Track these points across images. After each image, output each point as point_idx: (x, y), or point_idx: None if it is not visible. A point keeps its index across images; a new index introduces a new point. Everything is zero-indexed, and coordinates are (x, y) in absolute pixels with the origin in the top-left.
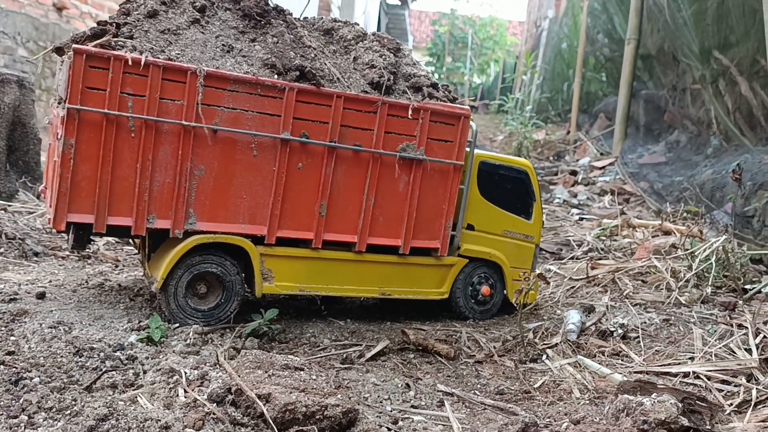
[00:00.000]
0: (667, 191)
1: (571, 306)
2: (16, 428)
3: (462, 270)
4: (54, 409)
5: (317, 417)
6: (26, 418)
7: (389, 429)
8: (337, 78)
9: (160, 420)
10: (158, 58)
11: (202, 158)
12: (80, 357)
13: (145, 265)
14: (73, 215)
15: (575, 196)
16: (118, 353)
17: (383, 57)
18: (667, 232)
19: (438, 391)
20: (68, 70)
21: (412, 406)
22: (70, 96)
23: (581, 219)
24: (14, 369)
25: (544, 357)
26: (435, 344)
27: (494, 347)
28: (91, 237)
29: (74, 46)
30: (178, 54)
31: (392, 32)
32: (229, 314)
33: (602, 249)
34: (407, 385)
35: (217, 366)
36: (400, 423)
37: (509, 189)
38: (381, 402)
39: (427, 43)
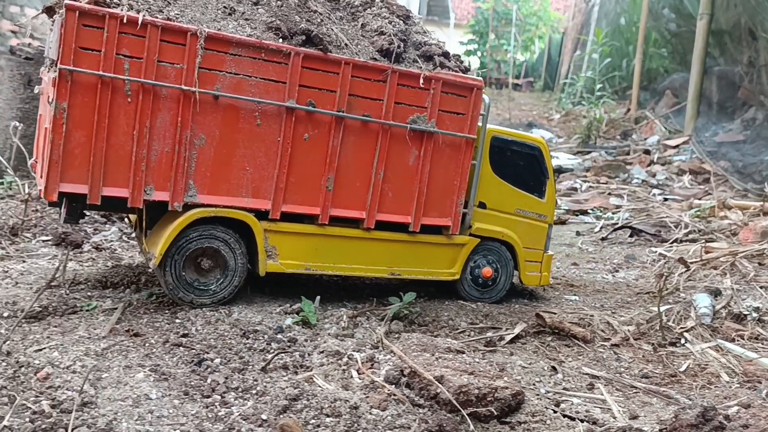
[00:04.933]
0: (753, 169)
1: (693, 289)
2: (212, 406)
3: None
4: (240, 389)
5: (489, 399)
6: (219, 397)
7: (554, 411)
8: (345, 44)
9: (348, 401)
10: (156, 17)
11: (202, 126)
12: (247, 339)
13: (142, 240)
14: (66, 185)
15: (653, 176)
16: (279, 335)
17: (393, 24)
18: None
19: (584, 373)
20: (60, 28)
21: (564, 389)
22: (62, 56)
23: (666, 199)
24: (194, 350)
25: (682, 341)
26: (571, 327)
27: (628, 330)
28: (85, 210)
29: (66, 2)
30: (177, 14)
31: (434, 9)
32: (230, 291)
33: (701, 231)
34: (553, 368)
35: (380, 348)
36: (562, 405)
37: (522, 166)
38: (534, 384)
39: (469, 20)
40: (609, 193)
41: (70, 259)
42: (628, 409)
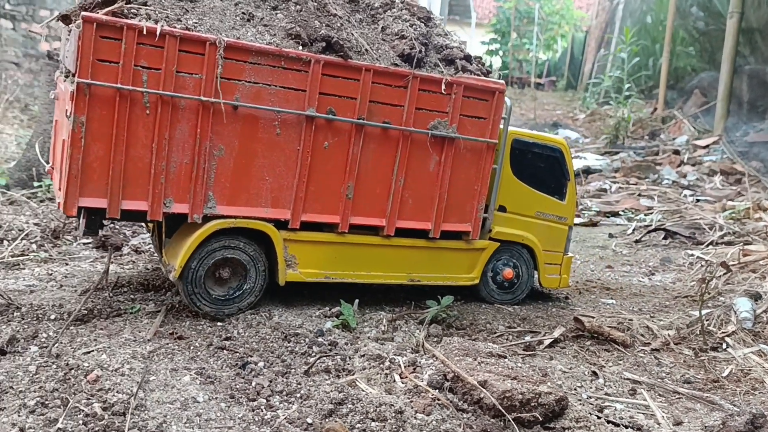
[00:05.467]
0: None
1: (732, 293)
2: (257, 410)
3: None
4: (284, 393)
5: (532, 404)
6: (264, 400)
7: (598, 417)
8: (365, 49)
9: (393, 405)
10: (174, 27)
11: (221, 137)
12: (288, 342)
13: (160, 249)
14: (85, 199)
15: (684, 176)
16: (320, 339)
17: (413, 27)
18: None
19: (625, 379)
20: (77, 40)
21: (606, 394)
22: (80, 69)
23: (698, 200)
24: (237, 354)
25: (724, 345)
26: (610, 331)
27: (668, 335)
28: (104, 222)
29: (83, 14)
30: (196, 23)
31: (455, 9)
32: (250, 302)
33: (736, 233)
34: (594, 372)
35: (421, 352)
36: (606, 411)
37: (543, 168)
38: (575, 389)
39: (491, 19)
40: (639, 194)
41: (111, 262)
42: (671, 414)
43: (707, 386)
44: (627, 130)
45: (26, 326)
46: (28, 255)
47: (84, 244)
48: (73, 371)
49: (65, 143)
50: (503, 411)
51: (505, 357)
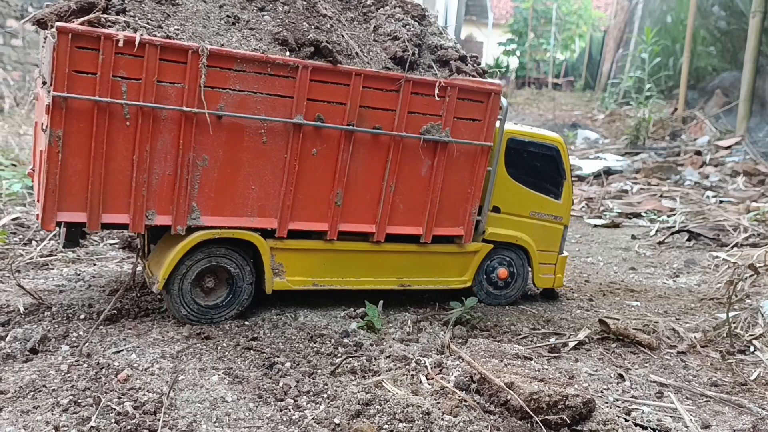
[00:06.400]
0: None
1: (758, 295)
2: (285, 410)
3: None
4: (311, 393)
5: (559, 406)
6: (292, 401)
7: (626, 419)
8: (356, 53)
9: (420, 406)
10: (155, 35)
11: (205, 147)
12: (314, 343)
13: (145, 255)
14: (64, 213)
15: (706, 177)
16: (345, 340)
17: (407, 26)
18: None
19: (652, 381)
20: (52, 51)
21: (633, 397)
22: (56, 82)
23: (721, 202)
24: (264, 354)
25: (751, 348)
26: (635, 334)
27: (695, 338)
28: (85, 233)
29: (58, 24)
30: (178, 30)
31: (472, 9)
32: (237, 311)
33: (760, 234)
34: (620, 375)
35: (446, 353)
36: (633, 414)
37: (538, 167)
38: (602, 392)
39: (508, 19)
40: (661, 196)
41: (138, 263)
42: (699, 418)
43: (735, 389)
44: (647, 130)
45: (57, 326)
46: (56, 255)
47: (111, 244)
48: (103, 370)
49: (42, 156)
50: (531, 413)
51: (531, 359)
